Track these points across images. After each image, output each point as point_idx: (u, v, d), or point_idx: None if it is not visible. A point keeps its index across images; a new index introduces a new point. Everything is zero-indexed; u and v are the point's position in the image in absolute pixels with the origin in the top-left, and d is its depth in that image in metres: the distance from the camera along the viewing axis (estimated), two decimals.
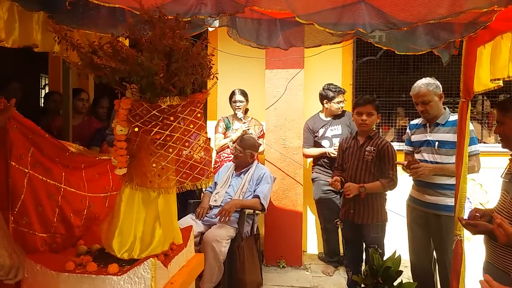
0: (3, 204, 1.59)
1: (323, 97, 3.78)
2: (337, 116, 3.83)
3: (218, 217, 3.22)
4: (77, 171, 2.07)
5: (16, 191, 1.64)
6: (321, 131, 3.79)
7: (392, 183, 2.72)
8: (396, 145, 4.16)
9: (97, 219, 2.14)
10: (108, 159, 2.23)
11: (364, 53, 4.30)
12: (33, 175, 1.73)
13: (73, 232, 1.96)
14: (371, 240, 2.78)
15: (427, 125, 2.75)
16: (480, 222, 1.87)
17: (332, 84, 3.81)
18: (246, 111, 4.01)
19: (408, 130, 2.96)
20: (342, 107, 3.81)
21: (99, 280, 1.55)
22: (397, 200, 3.71)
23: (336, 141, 3.64)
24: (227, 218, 3.08)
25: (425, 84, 2.67)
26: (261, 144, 3.86)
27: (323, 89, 3.79)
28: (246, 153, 3.42)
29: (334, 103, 3.75)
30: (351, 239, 2.97)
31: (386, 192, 2.87)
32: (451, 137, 2.57)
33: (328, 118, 3.82)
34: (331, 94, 3.72)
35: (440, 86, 2.70)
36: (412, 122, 2.96)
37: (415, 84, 2.75)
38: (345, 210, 2.94)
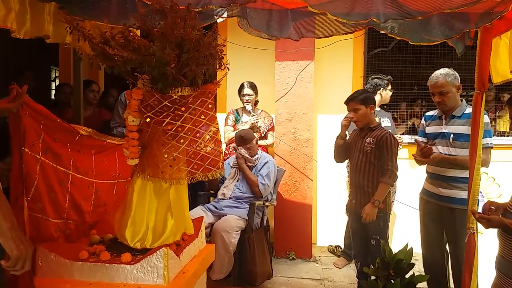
0: (18, 190, 1.61)
1: (378, 86, 3.70)
2: (382, 107, 3.80)
3: (228, 208, 3.24)
4: (88, 156, 2.10)
5: (29, 177, 1.66)
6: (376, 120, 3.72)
7: (392, 175, 2.69)
8: (407, 138, 4.17)
9: (106, 205, 2.17)
10: (116, 145, 2.26)
11: (376, 44, 4.23)
12: (45, 162, 1.75)
13: (84, 218, 2.00)
14: (373, 231, 2.76)
15: (443, 117, 2.69)
16: (494, 216, 1.84)
17: (374, 74, 3.79)
18: (256, 103, 3.99)
19: (422, 122, 2.91)
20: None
21: (113, 269, 1.57)
22: (409, 193, 3.69)
23: None
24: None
25: (443, 74, 2.60)
26: (257, 130, 3.81)
27: (372, 79, 3.74)
28: (252, 145, 3.40)
29: (389, 90, 3.74)
30: (356, 230, 2.97)
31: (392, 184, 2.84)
32: (467, 129, 2.50)
33: (378, 109, 3.76)
34: (385, 81, 3.69)
35: (458, 77, 2.62)
36: (427, 114, 2.90)
37: (432, 74, 2.67)
38: (349, 201, 2.96)
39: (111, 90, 4.08)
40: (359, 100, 2.80)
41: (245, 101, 3.84)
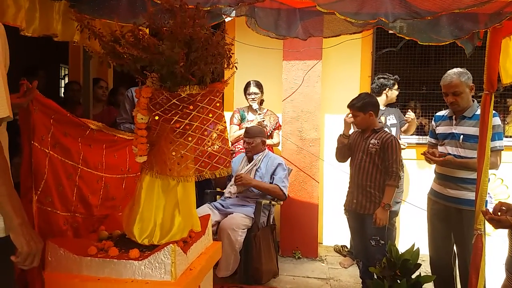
0: (27, 184, 1.64)
1: (383, 86, 3.73)
2: (389, 106, 3.83)
3: (235, 207, 3.26)
4: (98, 150, 2.13)
5: (39, 171, 1.69)
6: (382, 119, 3.73)
7: (397, 177, 2.75)
8: (415, 139, 4.15)
9: (114, 199, 2.20)
10: (127, 140, 2.28)
11: (384, 44, 4.20)
12: (53, 156, 1.78)
13: (92, 211, 2.02)
14: (372, 231, 2.77)
15: (453, 117, 2.66)
16: (504, 217, 1.83)
17: (380, 74, 3.81)
18: (261, 102, 3.98)
19: (433, 122, 2.88)
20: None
21: (121, 265, 1.59)
22: (417, 193, 3.68)
23: (394, 131, 3.65)
24: (240, 185, 3.31)
25: (457, 74, 2.55)
26: (265, 130, 3.83)
27: (378, 79, 3.76)
28: (256, 140, 3.41)
29: (395, 90, 3.76)
30: (356, 229, 2.97)
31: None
32: (477, 131, 2.46)
33: (384, 108, 3.78)
34: (391, 81, 3.71)
35: (471, 77, 2.58)
36: (437, 114, 2.86)
37: (446, 74, 2.62)
38: (349, 201, 2.96)
39: (120, 88, 4.11)
40: (356, 108, 2.86)
41: (250, 99, 3.84)
